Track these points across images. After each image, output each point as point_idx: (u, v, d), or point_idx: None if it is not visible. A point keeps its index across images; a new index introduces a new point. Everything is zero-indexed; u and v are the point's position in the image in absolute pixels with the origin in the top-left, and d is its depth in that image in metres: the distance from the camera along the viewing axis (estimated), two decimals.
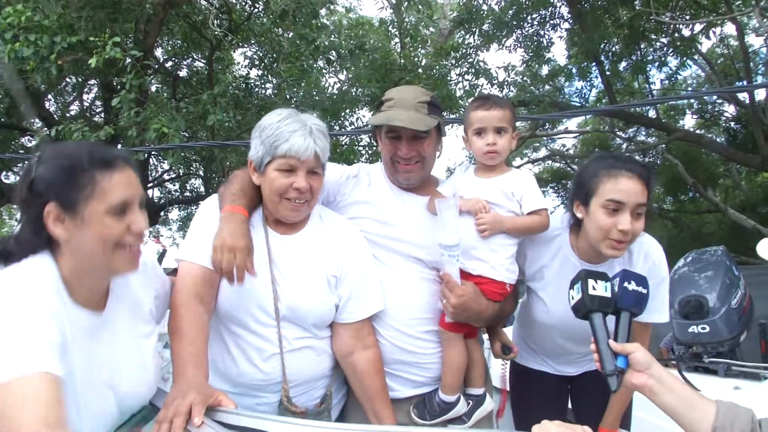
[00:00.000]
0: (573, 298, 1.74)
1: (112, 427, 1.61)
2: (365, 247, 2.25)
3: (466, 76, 12.58)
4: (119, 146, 9.44)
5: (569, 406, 2.63)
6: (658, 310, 2.26)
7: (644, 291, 1.73)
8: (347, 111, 12.26)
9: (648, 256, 2.23)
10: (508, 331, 2.60)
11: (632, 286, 1.71)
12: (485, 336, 2.58)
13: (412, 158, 2.28)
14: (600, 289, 1.69)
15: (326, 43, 10.14)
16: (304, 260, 2.12)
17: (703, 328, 3.74)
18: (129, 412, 1.68)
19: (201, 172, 13.86)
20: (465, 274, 2.16)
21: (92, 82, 12.26)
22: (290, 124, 2.01)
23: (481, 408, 2.30)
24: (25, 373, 1.28)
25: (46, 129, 10.57)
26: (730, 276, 4.01)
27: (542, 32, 12.81)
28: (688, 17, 11.17)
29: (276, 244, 2.11)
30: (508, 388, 2.70)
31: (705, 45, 14.10)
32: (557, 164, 21.29)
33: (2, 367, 1.28)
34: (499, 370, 2.70)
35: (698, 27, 11.25)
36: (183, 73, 11.88)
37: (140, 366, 1.71)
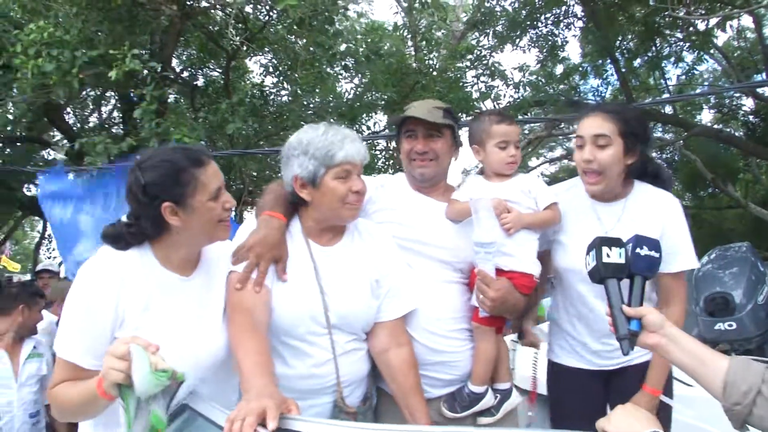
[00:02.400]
0: (588, 265, 1.83)
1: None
2: (397, 248, 2.38)
3: (482, 78, 12.57)
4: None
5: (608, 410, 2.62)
6: (685, 257, 2.40)
7: (656, 255, 1.81)
8: (364, 116, 12.30)
9: (659, 207, 2.42)
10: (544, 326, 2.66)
11: (645, 251, 1.79)
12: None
13: (427, 154, 2.45)
14: (614, 256, 1.76)
15: (342, 50, 10.20)
16: (347, 269, 2.22)
17: (730, 326, 3.73)
18: (203, 368, 1.98)
19: None
20: (496, 271, 2.29)
21: (110, 93, 12.41)
22: (336, 134, 2.14)
23: (508, 401, 2.44)
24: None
25: (66, 141, 10.72)
26: (755, 272, 4.00)
27: (556, 31, 12.76)
28: (703, 11, 11.07)
29: (320, 255, 2.20)
30: (537, 390, 2.73)
31: (721, 38, 13.96)
32: (573, 163, 21.13)
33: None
34: (528, 372, 2.74)
35: (714, 20, 11.13)
36: (199, 82, 11.99)
37: (214, 328, 2.04)
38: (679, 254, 2.38)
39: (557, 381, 2.65)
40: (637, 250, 1.79)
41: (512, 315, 2.44)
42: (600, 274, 1.78)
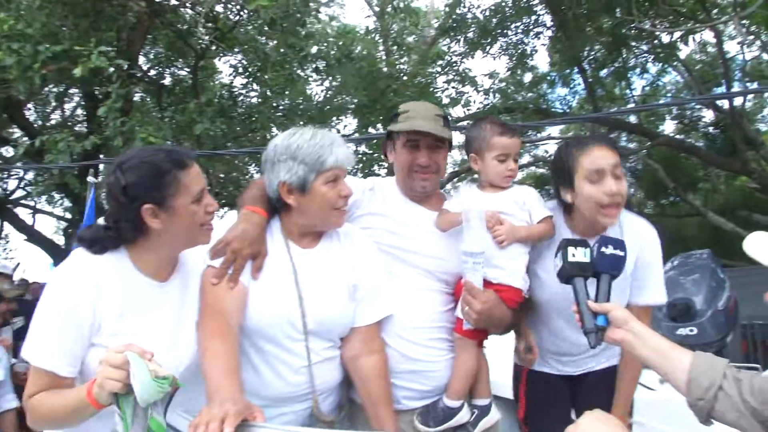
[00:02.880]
0: (556, 266, 1.84)
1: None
2: (378, 253, 2.30)
3: (452, 84, 12.67)
4: (101, 156, 9.41)
5: (573, 413, 2.65)
6: (653, 292, 2.36)
7: (621, 254, 1.83)
8: (334, 119, 12.30)
9: (638, 237, 2.33)
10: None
11: (609, 250, 1.81)
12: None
13: (430, 167, 2.35)
14: (579, 255, 1.80)
15: (313, 52, 10.18)
16: (326, 273, 2.15)
17: (691, 330, 3.80)
18: (180, 372, 1.87)
19: None
20: (484, 283, 2.21)
21: (74, 90, 12.16)
22: (324, 139, 2.06)
23: (487, 417, 2.35)
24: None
25: (26, 139, 10.47)
26: (716, 278, 4.08)
27: (526, 40, 12.96)
28: (667, 24, 11.36)
29: (300, 257, 2.13)
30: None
31: (683, 52, 14.34)
32: (540, 170, 21.46)
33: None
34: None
35: (677, 34, 11.44)
36: (167, 81, 11.83)
37: (189, 336, 1.95)
38: (649, 288, 2.36)
39: (528, 384, 2.66)
40: (602, 249, 1.81)
41: (497, 329, 2.36)
42: (566, 272, 1.81)
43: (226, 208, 9.73)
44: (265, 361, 2.08)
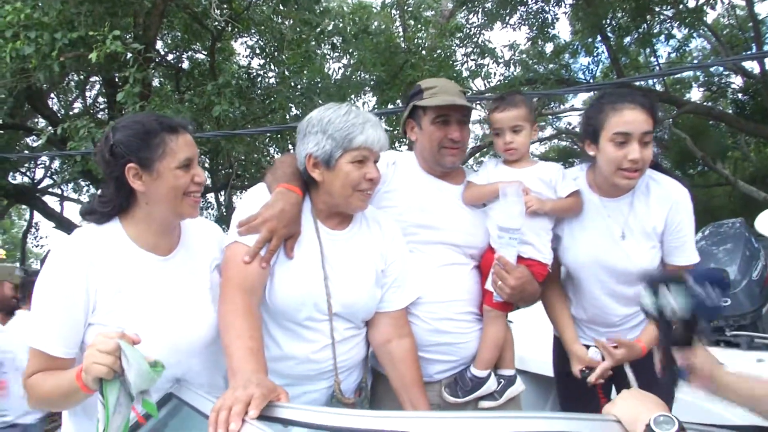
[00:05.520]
0: (643, 302, 1.59)
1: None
2: (402, 236, 2.30)
3: (471, 56, 12.48)
4: None
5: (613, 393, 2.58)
6: (686, 253, 2.31)
7: (723, 304, 1.63)
8: (353, 96, 12.21)
9: (669, 197, 2.27)
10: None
11: (711, 299, 1.50)
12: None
13: (459, 142, 2.34)
14: (678, 301, 1.52)
15: (330, 28, 10.08)
16: (354, 256, 2.13)
17: (725, 302, 3.70)
18: (183, 353, 1.89)
19: (207, 164, 13.81)
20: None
21: (94, 78, 12.24)
22: (358, 117, 2.03)
23: (512, 387, 2.39)
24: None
25: (50, 127, 10.58)
26: (749, 248, 3.96)
27: (546, 8, 12.66)
28: None
29: (327, 239, 2.10)
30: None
31: (710, 16, 13.91)
32: (564, 143, 21.19)
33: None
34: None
35: None
36: (185, 65, 11.84)
37: (198, 311, 1.95)
38: (681, 249, 2.29)
39: (561, 356, 2.59)
40: (701, 294, 1.51)
41: (527, 303, 2.43)
42: (656, 317, 1.57)
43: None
44: (290, 339, 2.06)
